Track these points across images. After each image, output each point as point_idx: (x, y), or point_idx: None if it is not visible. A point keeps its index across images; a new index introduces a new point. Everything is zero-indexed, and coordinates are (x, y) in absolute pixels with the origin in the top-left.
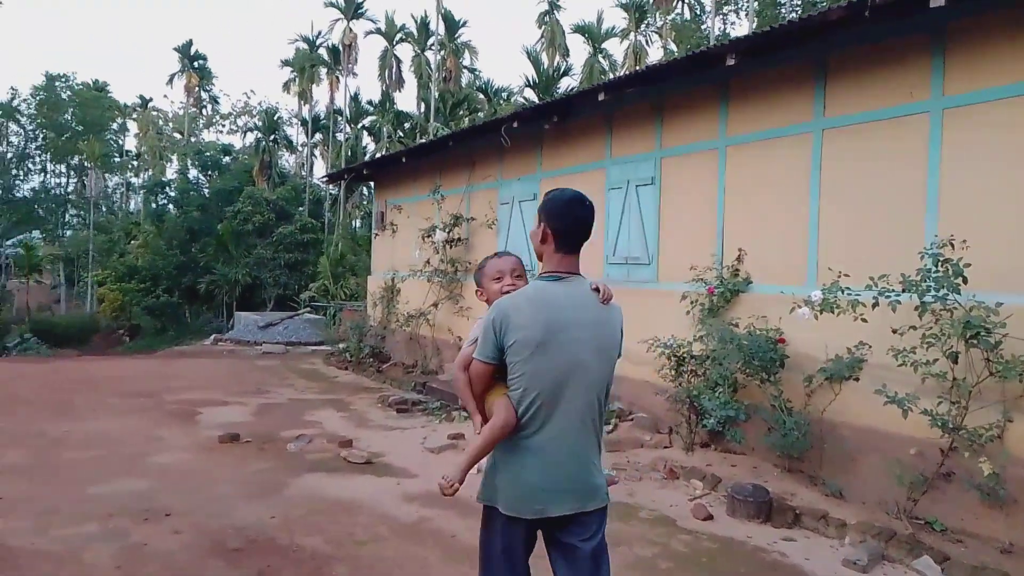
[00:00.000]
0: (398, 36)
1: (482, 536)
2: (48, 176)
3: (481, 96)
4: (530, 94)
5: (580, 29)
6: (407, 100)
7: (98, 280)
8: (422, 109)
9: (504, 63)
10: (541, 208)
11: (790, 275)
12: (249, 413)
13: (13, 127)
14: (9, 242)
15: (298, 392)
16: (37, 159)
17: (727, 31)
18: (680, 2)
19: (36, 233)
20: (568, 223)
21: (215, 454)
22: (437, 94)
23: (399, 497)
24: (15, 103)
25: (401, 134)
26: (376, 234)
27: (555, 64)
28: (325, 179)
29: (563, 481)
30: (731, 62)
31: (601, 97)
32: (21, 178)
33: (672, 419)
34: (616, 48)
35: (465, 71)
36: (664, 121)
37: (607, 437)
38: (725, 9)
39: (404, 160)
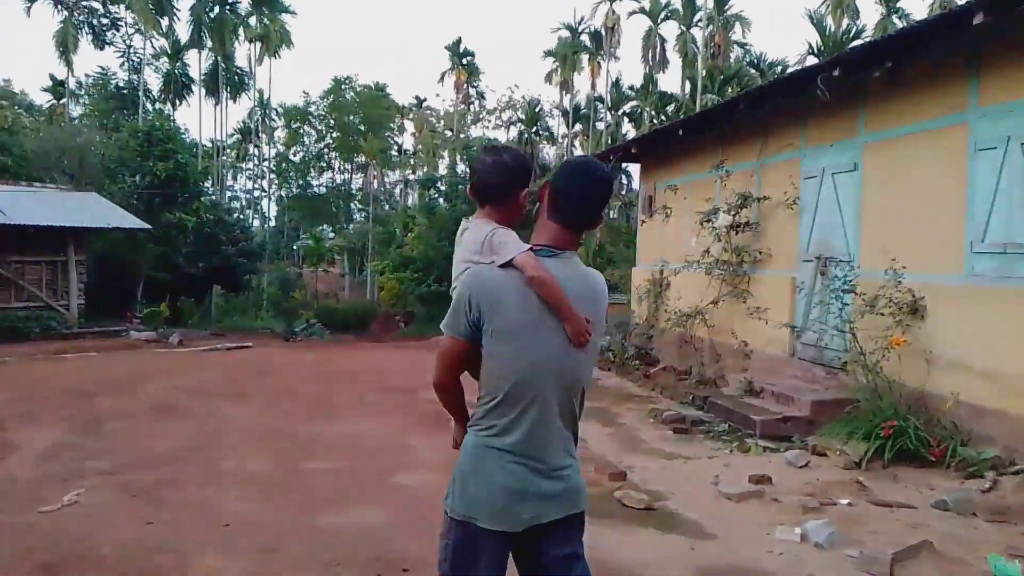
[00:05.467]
0: (663, 14)
1: (454, 559)
2: (336, 173)
3: (753, 71)
4: (812, 63)
5: None
6: (670, 82)
7: (378, 270)
8: (687, 89)
9: (777, 34)
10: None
11: None
12: None
13: (307, 129)
14: (304, 235)
15: None
16: (327, 158)
17: None
18: None
19: (326, 226)
20: (575, 189)
21: None
22: (704, 71)
23: (694, 571)
24: (309, 107)
25: (664, 118)
26: (643, 221)
27: (842, 27)
28: None
29: (547, 483)
30: None
31: (979, 19)
32: (314, 176)
33: None
34: (915, 5)
35: (735, 46)
36: None
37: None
38: None
39: (681, 132)
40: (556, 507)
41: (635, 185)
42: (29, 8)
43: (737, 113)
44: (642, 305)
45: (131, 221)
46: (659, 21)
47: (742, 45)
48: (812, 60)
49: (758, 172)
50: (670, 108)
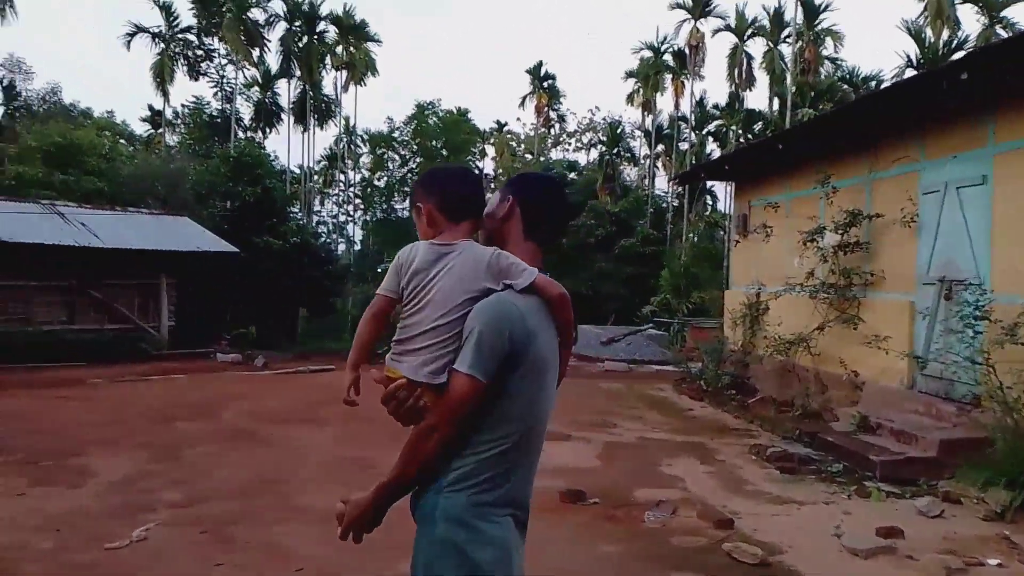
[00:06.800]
0: (749, 31)
1: None
2: None
3: (846, 86)
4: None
5: None
6: (756, 100)
7: None
8: (775, 107)
9: (870, 49)
10: (510, 184)
11: None
12: (594, 455)
13: (391, 154)
14: (388, 258)
15: (648, 428)
16: (410, 183)
17: None
18: None
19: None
20: (553, 206)
21: (552, 519)
22: (794, 88)
23: None
24: (393, 133)
25: (750, 136)
26: (736, 241)
27: (943, 38)
28: (676, 180)
29: (518, 541)
30: None
31: None
32: (398, 200)
33: None
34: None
35: (825, 61)
36: None
37: None
38: None
39: (780, 147)
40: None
41: (720, 205)
42: (129, 42)
43: (844, 125)
44: (736, 330)
45: (221, 245)
46: (745, 38)
47: (833, 60)
48: (911, 72)
49: (868, 187)
50: (757, 126)
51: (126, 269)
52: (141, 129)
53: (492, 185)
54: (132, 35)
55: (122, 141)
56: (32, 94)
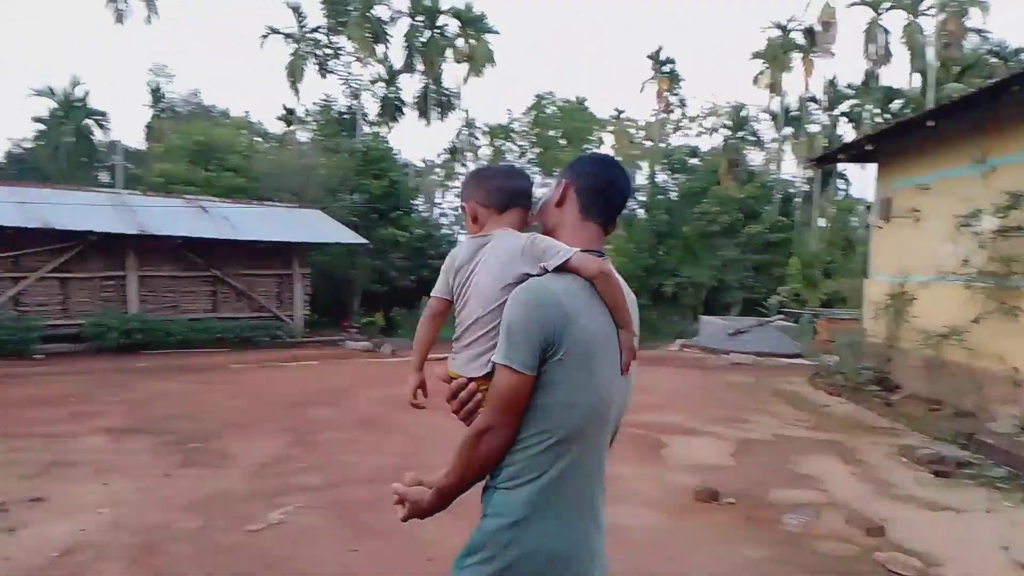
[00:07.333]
0: (886, 4)
1: None
2: (537, 188)
3: (993, 59)
4: None
5: None
6: (893, 77)
7: None
8: (914, 83)
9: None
10: (565, 169)
11: None
12: (726, 452)
13: (509, 146)
14: None
15: (782, 424)
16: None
17: None
18: None
19: None
20: (609, 183)
21: (688, 519)
22: (938, 63)
23: None
24: (511, 124)
25: (889, 115)
26: (879, 226)
27: None
28: (812, 164)
29: (584, 543)
30: None
31: None
32: None
33: None
34: None
35: (970, 34)
36: None
37: None
38: None
39: (931, 124)
40: (602, 567)
41: (852, 190)
42: (263, 42)
43: (1007, 98)
44: (878, 322)
45: (350, 236)
46: (880, 12)
47: (980, 32)
48: None
49: None
50: (895, 104)
51: (263, 260)
52: (276, 127)
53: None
54: (266, 36)
55: (258, 139)
56: (175, 96)
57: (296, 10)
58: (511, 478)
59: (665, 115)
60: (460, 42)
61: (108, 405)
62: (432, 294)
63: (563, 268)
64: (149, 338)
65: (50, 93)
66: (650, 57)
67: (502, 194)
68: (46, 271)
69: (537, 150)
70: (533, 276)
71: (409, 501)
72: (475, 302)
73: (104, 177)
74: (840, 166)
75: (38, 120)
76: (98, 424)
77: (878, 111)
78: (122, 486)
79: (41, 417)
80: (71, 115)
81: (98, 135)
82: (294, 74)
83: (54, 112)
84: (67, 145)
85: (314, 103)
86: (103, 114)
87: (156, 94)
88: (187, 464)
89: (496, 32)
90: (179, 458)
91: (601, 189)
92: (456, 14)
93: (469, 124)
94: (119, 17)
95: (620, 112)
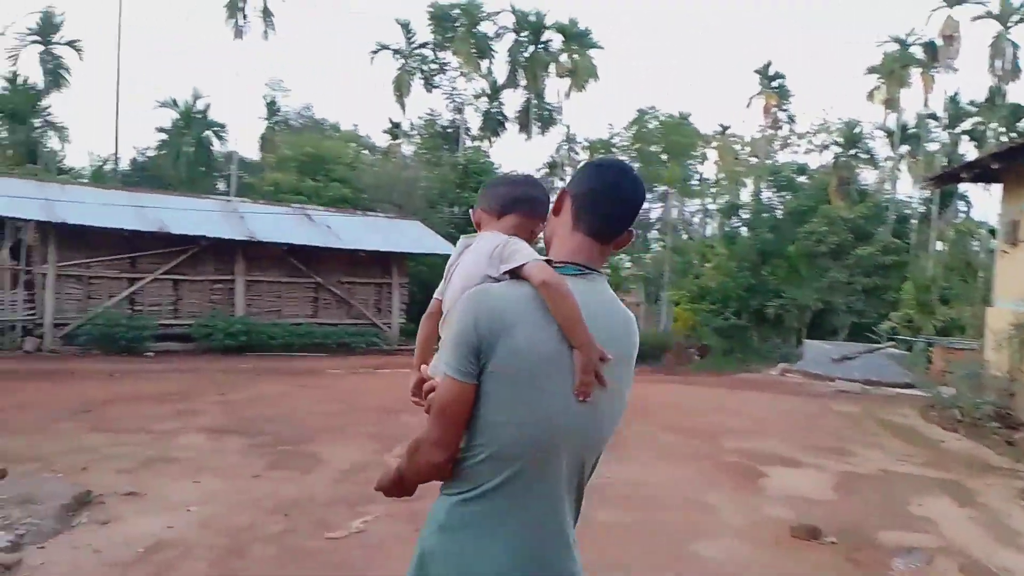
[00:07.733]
0: (1015, 17)
1: None
2: None
3: None
4: None
5: None
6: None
7: (674, 300)
8: None
9: None
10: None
11: None
12: (828, 485)
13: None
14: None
15: (891, 459)
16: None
17: None
18: None
19: (623, 255)
20: (606, 189)
21: (784, 556)
22: None
23: None
24: (612, 139)
25: (1015, 134)
26: (1003, 251)
27: None
28: (931, 183)
29: (536, 569)
30: None
31: None
32: None
33: None
34: None
35: None
36: None
37: None
38: None
39: None
40: None
41: (973, 212)
42: (373, 58)
43: None
44: (1001, 353)
45: (448, 247)
46: (1008, 25)
47: None
48: None
49: None
50: (1023, 123)
51: (363, 268)
52: (382, 140)
53: (712, 188)
54: (376, 52)
55: (365, 151)
56: (289, 110)
57: (405, 27)
58: (447, 485)
59: (772, 131)
60: (564, 57)
61: (209, 404)
62: (435, 295)
63: (518, 275)
64: (252, 340)
65: (173, 105)
66: (758, 72)
67: (502, 199)
68: (160, 273)
69: (638, 165)
70: (493, 280)
71: (378, 479)
72: (448, 303)
73: (221, 185)
74: (961, 187)
75: (161, 130)
76: (199, 423)
77: (1003, 129)
78: (213, 485)
79: (147, 413)
80: (192, 126)
81: (216, 145)
82: (401, 89)
83: (176, 123)
84: (187, 154)
85: (419, 117)
86: (222, 126)
87: (272, 107)
88: (276, 466)
89: (600, 47)
90: (270, 460)
91: (593, 196)
92: (560, 29)
93: (570, 139)
94: (238, 32)
95: (725, 128)
